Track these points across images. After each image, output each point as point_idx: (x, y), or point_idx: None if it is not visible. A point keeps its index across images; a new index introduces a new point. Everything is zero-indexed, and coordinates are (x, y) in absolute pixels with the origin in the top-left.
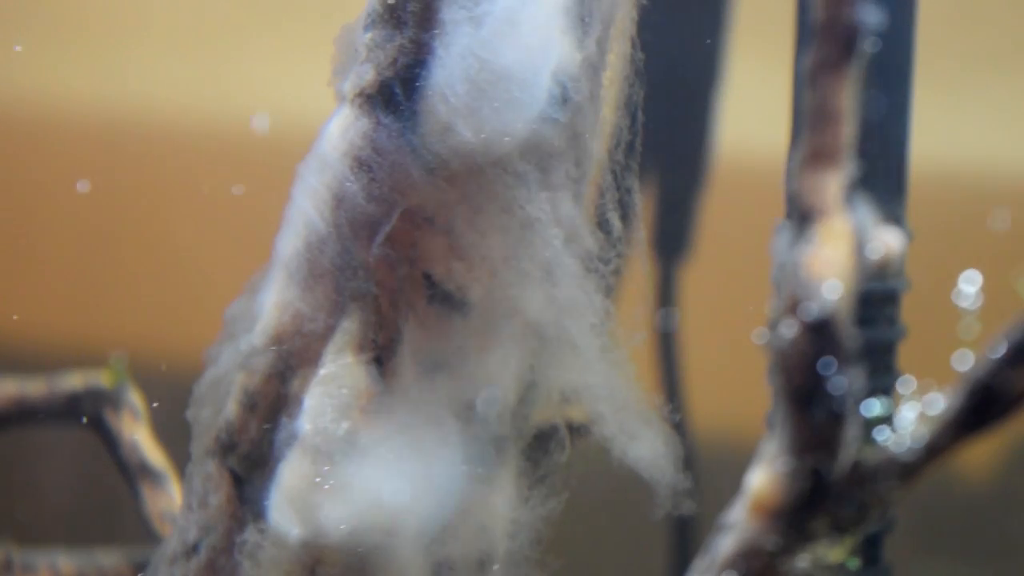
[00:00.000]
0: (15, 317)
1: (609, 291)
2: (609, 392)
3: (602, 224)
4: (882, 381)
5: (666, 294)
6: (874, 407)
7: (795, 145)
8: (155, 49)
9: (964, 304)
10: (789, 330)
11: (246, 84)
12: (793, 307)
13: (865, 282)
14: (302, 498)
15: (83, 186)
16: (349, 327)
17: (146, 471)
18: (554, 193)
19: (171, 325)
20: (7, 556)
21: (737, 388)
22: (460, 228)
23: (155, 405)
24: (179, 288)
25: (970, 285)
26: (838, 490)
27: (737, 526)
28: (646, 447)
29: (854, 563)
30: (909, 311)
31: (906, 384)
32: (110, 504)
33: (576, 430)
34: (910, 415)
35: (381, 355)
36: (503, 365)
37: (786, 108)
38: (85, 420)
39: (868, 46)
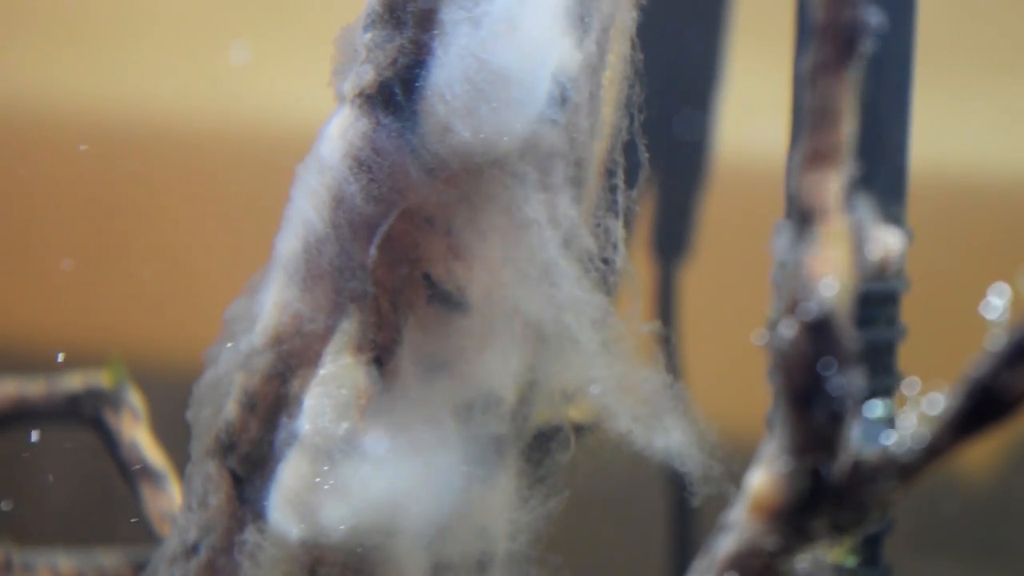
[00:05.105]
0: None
1: (610, 291)
2: (616, 386)
3: (602, 224)
4: (882, 381)
5: (666, 294)
6: (874, 408)
7: (795, 145)
8: (155, 49)
9: (991, 316)
10: (789, 330)
11: (246, 84)
12: (793, 307)
13: (865, 282)
14: (302, 498)
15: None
16: (349, 327)
17: (146, 471)
18: (553, 193)
19: (171, 325)
20: (7, 556)
21: (737, 388)
22: (459, 228)
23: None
24: (179, 288)
25: (999, 297)
26: (838, 490)
27: (737, 526)
28: (670, 436)
29: (852, 561)
30: (909, 311)
31: (906, 384)
32: (110, 504)
33: (577, 430)
34: (910, 415)
35: (381, 355)
36: (503, 365)
37: (786, 108)
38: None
39: (868, 46)
